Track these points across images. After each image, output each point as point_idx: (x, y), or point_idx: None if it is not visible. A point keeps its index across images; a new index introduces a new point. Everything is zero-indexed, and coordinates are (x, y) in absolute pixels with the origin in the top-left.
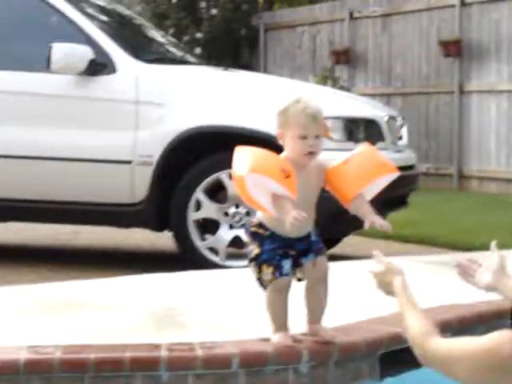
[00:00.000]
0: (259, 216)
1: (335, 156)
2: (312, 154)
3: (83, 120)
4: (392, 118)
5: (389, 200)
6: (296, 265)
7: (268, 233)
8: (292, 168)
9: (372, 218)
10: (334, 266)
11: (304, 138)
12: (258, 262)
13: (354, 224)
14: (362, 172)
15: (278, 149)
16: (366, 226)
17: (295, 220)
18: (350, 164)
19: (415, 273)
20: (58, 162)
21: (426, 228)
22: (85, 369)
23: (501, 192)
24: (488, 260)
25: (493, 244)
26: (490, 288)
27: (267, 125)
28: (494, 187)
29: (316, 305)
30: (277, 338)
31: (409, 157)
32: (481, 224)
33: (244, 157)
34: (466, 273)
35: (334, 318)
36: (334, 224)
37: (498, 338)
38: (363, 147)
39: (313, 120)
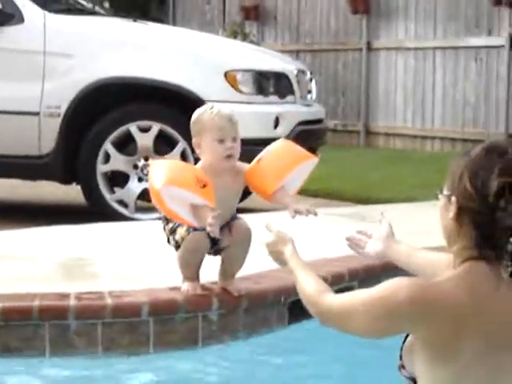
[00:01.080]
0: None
1: (245, 109)
2: (230, 156)
3: None
4: (301, 72)
5: None
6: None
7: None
8: (209, 176)
9: (295, 207)
10: (246, 218)
11: (221, 141)
12: (172, 226)
13: None
14: (276, 166)
15: (186, 100)
16: (291, 215)
17: (211, 227)
18: (264, 161)
19: (321, 225)
20: None
21: (334, 183)
22: None
23: (406, 148)
24: (377, 231)
25: (381, 213)
26: (380, 255)
27: (176, 76)
28: (400, 143)
29: (230, 265)
30: (186, 287)
31: (317, 111)
32: (386, 178)
33: (159, 170)
34: (356, 245)
35: (245, 267)
36: None
37: (392, 285)
38: (277, 143)
39: (229, 121)
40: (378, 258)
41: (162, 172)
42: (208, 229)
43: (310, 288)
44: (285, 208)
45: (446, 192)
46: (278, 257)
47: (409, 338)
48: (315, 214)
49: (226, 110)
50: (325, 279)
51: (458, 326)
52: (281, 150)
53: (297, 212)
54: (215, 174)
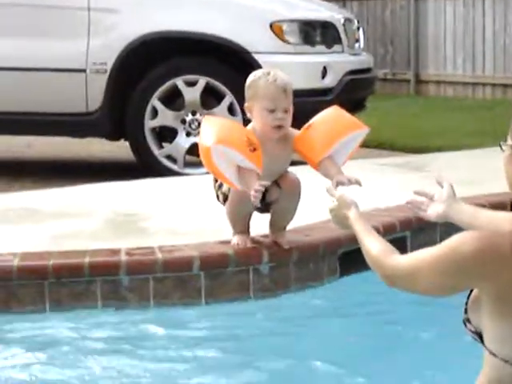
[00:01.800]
0: None
1: (292, 59)
2: (280, 127)
3: (35, 28)
4: (348, 21)
5: (348, 103)
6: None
7: None
8: (259, 140)
9: (338, 178)
10: (294, 170)
11: (272, 111)
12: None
13: None
14: (325, 134)
15: (232, 53)
16: (334, 185)
17: (256, 194)
18: (313, 129)
19: (373, 175)
20: (10, 72)
21: (385, 132)
22: (44, 275)
23: (457, 96)
24: (438, 192)
25: (440, 175)
26: (442, 218)
27: (221, 28)
28: (451, 91)
29: (281, 218)
30: (235, 240)
31: (366, 60)
32: (438, 127)
33: (210, 127)
34: (418, 208)
35: (295, 219)
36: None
37: (459, 239)
38: (327, 110)
39: (283, 92)
40: (440, 220)
41: (214, 130)
42: (252, 197)
43: (376, 250)
44: (328, 178)
45: (510, 142)
46: (341, 221)
47: (474, 292)
48: (359, 184)
49: (283, 77)
50: (376, 229)
51: None
52: (331, 117)
53: (339, 183)
54: (264, 140)
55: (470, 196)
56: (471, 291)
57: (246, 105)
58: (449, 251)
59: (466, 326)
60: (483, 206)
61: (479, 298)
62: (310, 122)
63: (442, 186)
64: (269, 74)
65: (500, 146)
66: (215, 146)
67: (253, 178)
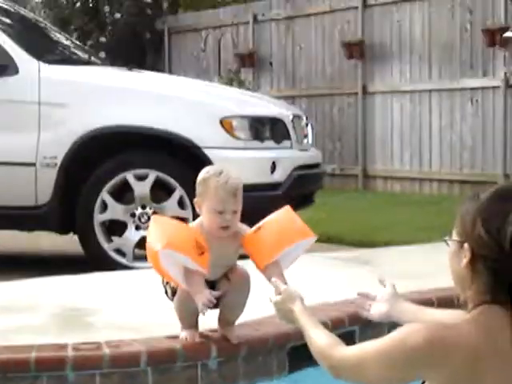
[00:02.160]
0: None
1: (242, 154)
2: (227, 227)
3: None
4: (297, 117)
5: (296, 197)
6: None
7: None
8: (207, 236)
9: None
10: (247, 262)
11: (221, 212)
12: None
13: (259, 222)
14: (273, 240)
15: (182, 147)
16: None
17: (204, 305)
18: (263, 231)
19: (321, 269)
20: None
21: (333, 227)
22: None
23: (404, 191)
24: (380, 292)
25: (381, 277)
26: (385, 317)
27: (172, 124)
28: (398, 186)
29: (230, 312)
30: (184, 335)
31: (314, 155)
32: (386, 222)
33: (159, 230)
34: (362, 308)
35: (243, 314)
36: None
37: (408, 330)
38: (279, 212)
39: (232, 196)
40: (383, 319)
41: (162, 232)
42: (201, 305)
43: (321, 342)
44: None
45: (456, 238)
46: (286, 314)
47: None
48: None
49: (234, 179)
50: (325, 324)
51: (475, 366)
52: (281, 222)
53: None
54: (212, 236)
55: (417, 290)
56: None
57: (195, 200)
58: (397, 343)
59: None
60: (431, 300)
61: None
62: (261, 223)
63: (384, 286)
64: (221, 173)
65: (445, 242)
66: (163, 251)
67: (199, 279)
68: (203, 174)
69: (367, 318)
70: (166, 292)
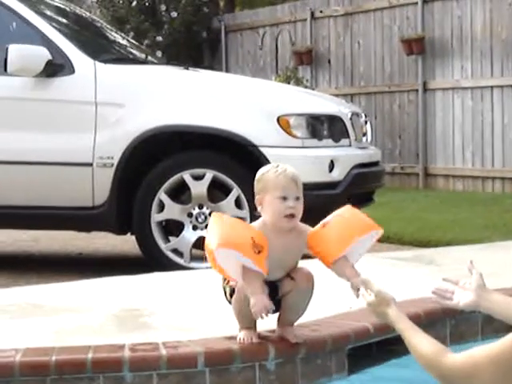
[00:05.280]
0: None
1: (299, 153)
2: (292, 216)
3: (42, 122)
4: (355, 115)
5: (355, 196)
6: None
7: None
8: (269, 234)
9: (354, 282)
10: (303, 264)
11: (284, 199)
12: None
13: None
14: (341, 233)
15: (239, 146)
16: (354, 293)
17: (258, 312)
18: (329, 227)
19: (382, 269)
20: (17, 166)
21: (393, 226)
22: (46, 371)
23: (466, 189)
24: (463, 279)
25: (470, 262)
26: (471, 307)
27: (228, 122)
28: (460, 185)
29: (291, 312)
30: (242, 335)
31: (373, 153)
32: (447, 221)
33: (217, 228)
34: (443, 297)
35: (305, 314)
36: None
37: None
38: (343, 209)
39: (293, 181)
40: (469, 308)
41: (219, 231)
42: (253, 310)
43: (428, 349)
44: (343, 279)
45: None
46: (381, 317)
47: None
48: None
49: (292, 169)
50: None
51: None
52: (347, 217)
53: (355, 289)
54: (275, 233)
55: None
56: None
57: (256, 198)
58: None
59: None
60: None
61: None
62: (326, 220)
63: (471, 274)
64: (277, 166)
65: None
66: (219, 250)
67: (257, 280)
68: (260, 171)
69: (448, 307)
70: (225, 292)
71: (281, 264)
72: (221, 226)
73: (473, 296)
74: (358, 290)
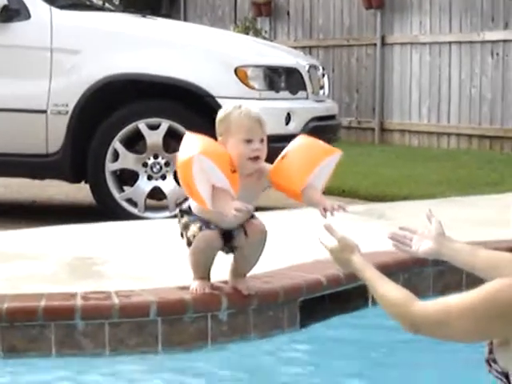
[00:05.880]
0: (191, 205)
1: (257, 105)
2: (257, 158)
3: None
4: (313, 67)
5: None
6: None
7: (195, 218)
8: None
9: (325, 205)
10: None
11: (249, 141)
12: (187, 221)
13: None
14: (302, 162)
15: (195, 96)
16: (321, 214)
17: (238, 211)
18: (289, 158)
19: (336, 223)
20: None
21: (349, 180)
22: None
23: (422, 145)
24: (421, 227)
25: (429, 210)
26: (432, 254)
27: (185, 72)
28: (416, 140)
29: (243, 265)
30: (195, 286)
31: (330, 106)
32: (402, 176)
33: (196, 141)
34: (402, 243)
35: (255, 267)
36: None
37: (496, 285)
38: (298, 139)
39: (257, 122)
40: (429, 256)
41: (199, 143)
42: (234, 213)
43: (397, 298)
44: (313, 206)
45: None
46: (344, 265)
47: None
48: (344, 210)
49: (255, 110)
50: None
51: None
52: (304, 145)
53: (326, 210)
54: (239, 174)
55: None
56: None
57: (219, 139)
58: (487, 297)
59: (490, 365)
60: None
61: (509, 341)
62: (284, 152)
63: (431, 222)
64: (240, 107)
65: None
66: (199, 156)
67: (228, 199)
68: (222, 111)
69: (409, 254)
70: (182, 235)
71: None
72: (200, 140)
73: (432, 243)
74: (326, 211)
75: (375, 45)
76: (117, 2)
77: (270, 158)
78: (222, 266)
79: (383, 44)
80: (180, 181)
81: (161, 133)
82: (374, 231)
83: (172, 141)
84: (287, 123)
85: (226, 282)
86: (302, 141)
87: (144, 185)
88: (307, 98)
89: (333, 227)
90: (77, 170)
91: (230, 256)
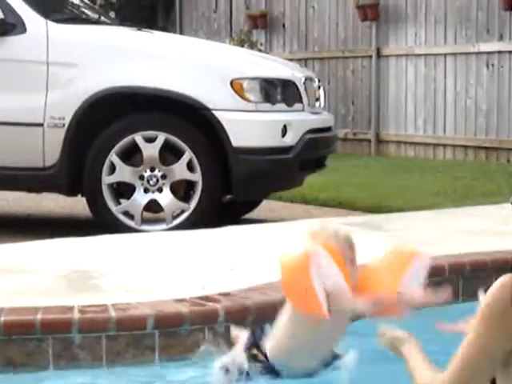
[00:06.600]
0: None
1: (253, 117)
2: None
3: None
4: (309, 80)
5: (307, 162)
6: None
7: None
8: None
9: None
10: (254, 229)
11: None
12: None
13: (270, 186)
14: (389, 273)
15: (191, 109)
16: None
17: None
18: (378, 269)
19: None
20: None
21: (345, 192)
22: None
23: (418, 156)
24: None
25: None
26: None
27: (181, 85)
28: (412, 152)
29: None
30: None
31: (326, 118)
32: (398, 187)
33: (297, 245)
34: None
35: (253, 278)
36: (249, 186)
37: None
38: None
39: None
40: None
41: (303, 243)
42: (363, 307)
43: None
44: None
45: None
46: (392, 348)
47: None
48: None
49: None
50: None
51: None
52: (388, 256)
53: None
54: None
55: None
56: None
57: None
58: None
59: None
60: (443, 266)
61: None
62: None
63: None
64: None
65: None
66: (318, 253)
67: (348, 297)
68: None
69: None
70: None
71: (314, 352)
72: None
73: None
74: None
75: (371, 57)
76: (113, 16)
77: (265, 171)
78: (220, 278)
79: (378, 56)
80: (287, 286)
81: (157, 145)
82: (370, 243)
83: (168, 154)
84: (283, 135)
85: (223, 294)
86: (386, 254)
87: (140, 197)
88: (303, 110)
89: (387, 330)
90: (73, 183)
91: (228, 263)
